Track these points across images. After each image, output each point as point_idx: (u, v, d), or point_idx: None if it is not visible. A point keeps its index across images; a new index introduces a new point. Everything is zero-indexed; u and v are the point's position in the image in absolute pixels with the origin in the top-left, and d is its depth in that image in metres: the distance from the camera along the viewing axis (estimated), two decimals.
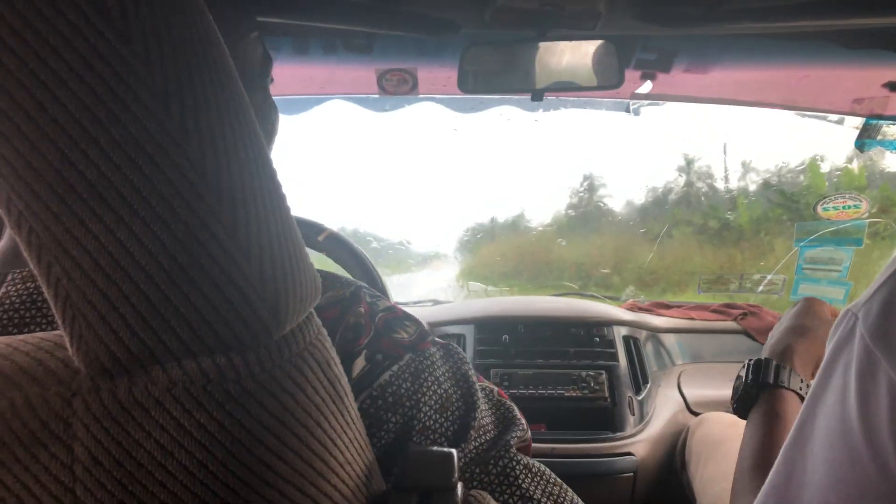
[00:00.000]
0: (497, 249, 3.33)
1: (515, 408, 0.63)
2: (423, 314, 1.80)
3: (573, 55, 1.29)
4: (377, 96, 1.50)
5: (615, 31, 1.26)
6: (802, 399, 0.82)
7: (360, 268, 1.42)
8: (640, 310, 1.96)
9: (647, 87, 1.49)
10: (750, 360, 0.89)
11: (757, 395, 0.86)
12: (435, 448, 0.43)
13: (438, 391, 0.57)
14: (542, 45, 1.26)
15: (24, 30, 0.26)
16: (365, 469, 0.39)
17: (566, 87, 1.32)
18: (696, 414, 1.54)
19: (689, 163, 3.34)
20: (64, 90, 0.26)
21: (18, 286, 0.51)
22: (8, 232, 0.57)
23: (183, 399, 0.29)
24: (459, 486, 0.40)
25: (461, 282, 3.13)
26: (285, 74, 1.47)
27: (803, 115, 1.55)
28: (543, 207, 3.32)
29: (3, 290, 0.51)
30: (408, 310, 1.47)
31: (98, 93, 0.27)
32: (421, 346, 0.59)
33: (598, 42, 1.27)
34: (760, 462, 0.76)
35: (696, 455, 1.35)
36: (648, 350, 1.76)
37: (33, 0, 0.26)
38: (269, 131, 0.71)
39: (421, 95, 1.49)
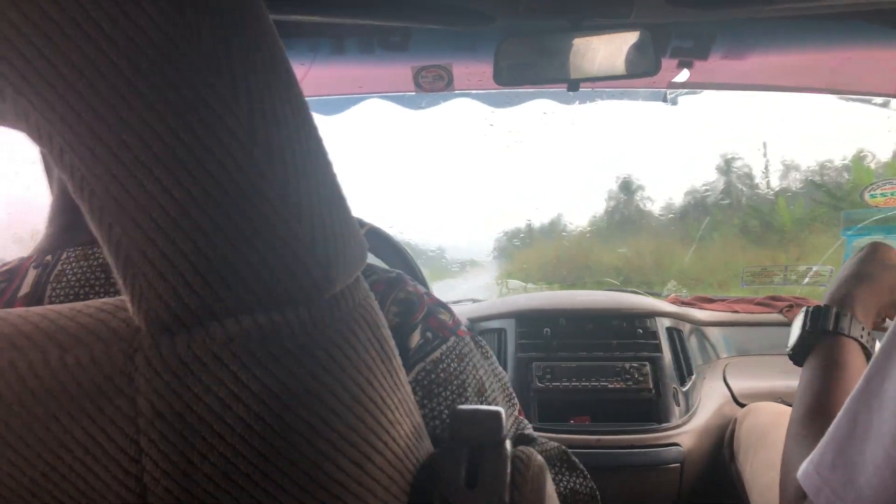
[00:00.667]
0: (534, 254, 3.31)
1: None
2: (462, 311, 1.81)
3: (608, 44, 1.29)
4: (413, 94, 1.52)
5: (650, 18, 1.25)
6: (864, 347, 0.81)
7: (401, 261, 1.43)
8: (683, 304, 1.93)
9: (684, 75, 1.48)
10: (808, 307, 0.86)
11: (815, 342, 0.83)
12: (483, 406, 0.44)
13: (476, 376, 0.61)
14: (577, 34, 1.26)
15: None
16: (414, 431, 0.39)
17: (602, 77, 1.32)
18: (742, 405, 1.51)
19: (729, 163, 3.29)
20: (121, 57, 0.28)
21: (73, 264, 0.54)
22: (56, 214, 0.60)
23: (240, 353, 0.30)
24: (508, 442, 0.41)
25: (500, 281, 3.12)
26: (323, 75, 1.50)
27: (846, 99, 1.52)
28: (581, 210, 3.30)
29: (59, 267, 0.54)
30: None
31: (153, 59, 0.28)
32: (458, 332, 0.63)
33: (634, 30, 1.26)
34: (817, 410, 0.74)
35: (744, 445, 1.33)
36: (693, 343, 1.73)
37: None
38: None
39: (457, 91, 1.50)
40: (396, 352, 0.39)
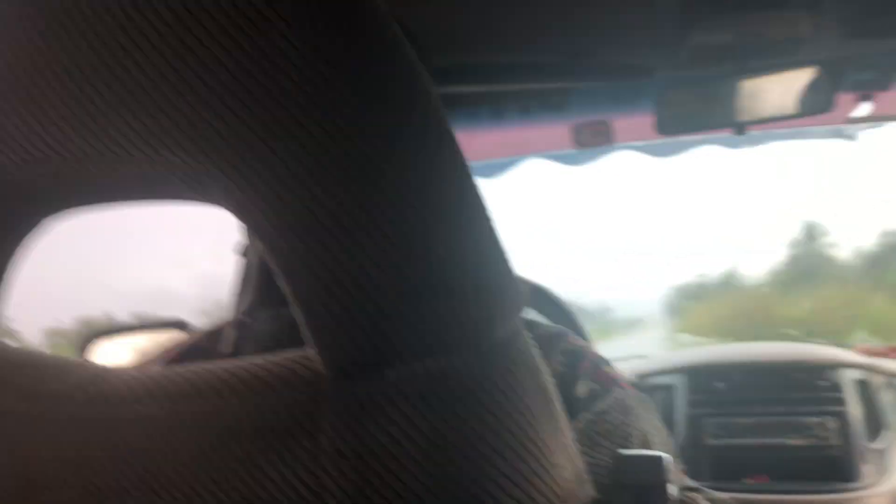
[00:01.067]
0: (707, 309, 3.16)
1: None
2: (629, 367, 1.76)
3: (776, 84, 1.24)
4: (573, 151, 1.53)
5: (821, 54, 1.20)
6: None
7: (563, 317, 1.42)
8: (875, 354, 1.75)
9: (863, 109, 1.38)
10: None
11: None
12: (645, 451, 0.44)
13: (640, 428, 0.60)
14: (742, 77, 1.22)
15: (279, 82, 0.32)
16: (576, 476, 0.40)
17: (771, 118, 1.26)
18: None
19: None
20: (309, 140, 0.32)
21: (265, 325, 0.62)
22: (249, 281, 0.68)
23: (410, 396, 0.32)
24: (672, 486, 0.40)
25: (667, 335, 3.00)
26: (484, 139, 1.55)
27: None
28: (759, 260, 3.11)
29: (255, 327, 0.62)
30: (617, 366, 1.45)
31: (335, 138, 0.32)
32: (622, 385, 0.63)
33: (804, 67, 1.21)
34: None
35: None
36: (887, 399, 1.57)
37: (274, 63, 0.32)
38: None
39: (617, 144, 1.50)
40: (558, 398, 0.40)
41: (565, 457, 0.39)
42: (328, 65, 0.33)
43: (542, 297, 1.44)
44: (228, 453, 0.34)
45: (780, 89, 1.24)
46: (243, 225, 0.36)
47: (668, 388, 1.62)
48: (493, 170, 1.69)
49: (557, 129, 1.49)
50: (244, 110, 0.32)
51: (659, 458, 0.42)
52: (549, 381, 0.40)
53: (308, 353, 0.35)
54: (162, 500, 0.36)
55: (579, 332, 1.40)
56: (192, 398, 0.36)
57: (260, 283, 0.67)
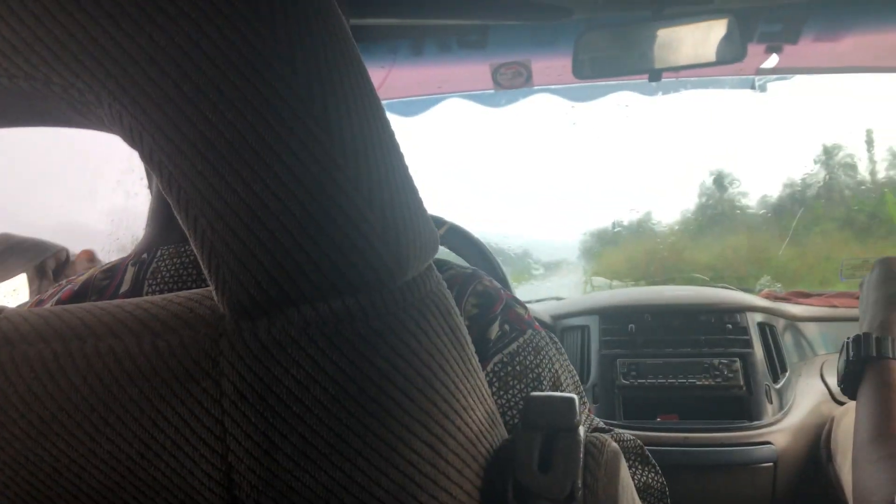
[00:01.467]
0: (623, 254, 3.24)
1: None
2: (545, 308, 1.80)
3: (691, 32, 1.25)
4: (493, 91, 1.52)
5: (735, 3, 1.22)
6: None
7: (481, 259, 1.44)
8: (777, 299, 1.85)
9: (773, 60, 1.42)
10: (848, 338, 0.88)
11: (862, 370, 0.85)
12: (556, 393, 0.44)
13: (551, 369, 0.62)
14: (658, 24, 1.23)
15: (167, 7, 0.30)
16: (487, 417, 0.40)
17: (685, 66, 1.29)
18: (841, 403, 1.44)
19: (830, 153, 3.12)
20: (204, 59, 0.30)
21: (167, 261, 0.59)
22: (153, 214, 0.65)
23: (316, 337, 0.31)
24: (581, 428, 0.41)
25: (585, 278, 3.07)
26: (404, 76, 1.52)
27: None
28: (671, 207, 3.20)
29: (155, 265, 0.59)
30: (533, 306, 1.48)
31: (233, 59, 0.30)
32: (535, 326, 0.64)
33: (718, 17, 1.23)
34: (879, 433, 0.75)
35: (842, 446, 1.27)
36: (787, 340, 1.66)
37: None
38: None
39: (536, 87, 1.50)
40: (469, 340, 0.40)
41: (476, 398, 0.38)
42: None
43: (459, 238, 1.44)
44: (125, 395, 0.33)
45: (694, 38, 1.26)
46: (136, 152, 0.34)
47: (582, 329, 1.66)
48: (412, 108, 1.67)
49: (478, 69, 1.48)
50: (134, 27, 0.30)
51: (569, 399, 0.42)
52: (461, 323, 0.39)
53: (209, 292, 0.34)
54: (55, 446, 0.34)
55: (496, 273, 1.42)
56: (86, 338, 0.34)
57: (161, 217, 0.64)
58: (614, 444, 0.43)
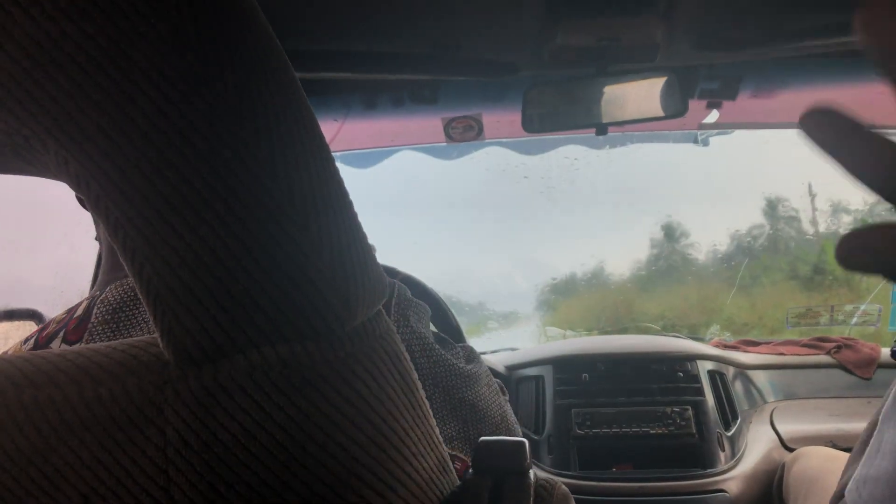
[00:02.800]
0: (578, 304, 3.28)
1: None
2: (500, 359, 1.79)
3: (635, 88, 1.30)
4: (445, 144, 1.55)
5: (676, 62, 1.27)
6: None
7: (436, 309, 1.43)
8: (727, 347, 1.89)
9: (713, 115, 1.48)
10: None
11: None
12: (507, 437, 0.44)
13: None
14: (604, 80, 1.28)
15: (117, 56, 0.30)
16: (438, 464, 0.39)
17: (630, 121, 1.33)
18: (791, 449, 1.46)
19: (774, 205, 3.24)
20: (151, 107, 0.30)
21: (115, 291, 0.62)
22: (105, 259, 0.67)
23: (263, 384, 0.31)
24: (532, 471, 0.41)
25: (540, 328, 3.10)
26: (357, 129, 1.54)
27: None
28: (624, 259, 3.27)
29: (104, 295, 0.63)
30: (488, 357, 1.48)
31: (181, 109, 0.30)
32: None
33: (660, 74, 1.28)
34: None
35: (794, 491, 1.28)
36: (737, 388, 1.69)
37: (122, 29, 0.29)
38: None
39: (487, 140, 1.53)
40: (419, 385, 0.40)
41: (426, 445, 0.38)
42: (176, 34, 0.30)
43: (413, 289, 1.43)
44: (64, 447, 0.32)
45: (638, 93, 1.31)
46: (83, 198, 0.34)
47: (536, 380, 1.67)
48: (366, 160, 1.68)
49: (430, 123, 1.50)
50: (80, 74, 0.30)
51: (520, 443, 0.42)
52: (411, 368, 0.39)
53: (154, 339, 0.33)
54: None
55: (450, 323, 1.42)
56: (24, 388, 0.33)
57: (111, 259, 0.67)
58: (564, 488, 0.43)
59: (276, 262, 0.31)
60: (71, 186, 0.33)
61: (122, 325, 0.60)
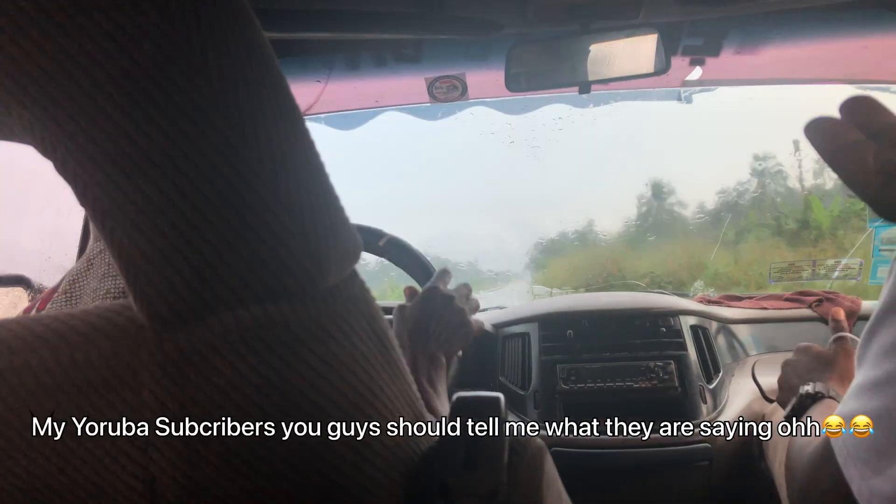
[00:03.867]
0: (567, 263, 3.29)
1: None
2: (487, 317, 1.81)
3: (618, 46, 1.29)
4: (429, 105, 1.54)
5: (659, 17, 1.26)
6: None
7: (420, 270, 1.45)
8: (710, 302, 1.91)
9: (696, 73, 1.48)
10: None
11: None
12: (482, 392, 0.45)
13: None
14: (587, 38, 1.27)
15: (76, 17, 0.29)
16: (413, 420, 0.40)
17: (613, 78, 1.33)
18: (772, 401, 1.49)
19: (761, 162, 3.24)
20: (116, 68, 0.29)
21: (81, 260, 0.62)
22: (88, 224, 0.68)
23: (237, 345, 0.31)
24: (508, 426, 0.42)
25: (529, 287, 3.11)
26: (340, 91, 1.52)
27: (864, 89, 1.50)
28: (613, 216, 3.27)
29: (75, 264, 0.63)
30: (475, 315, 1.49)
31: (146, 69, 0.30)
32: None
33: (643, 31, 1.27)
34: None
35: (773, 441, 1.31)
36: (720, 342, 1.72)
37: None
38: None
39: (471, 100, 1.52)
40: (395, 344, 0.40)
41: (403, 402, 0.39)
42: None
43: (399, 249, 1.44)
44: (42, 410, 0.32)
45: (621, 51, 1.30)
46: (49, 161, 0.34)
47: (522, 337, 1.68)
48: (349, 121, 1.67)
49: (414, 83, 1.49)
50: (42, 37, 0.30)
51: (496, 399, 0.43)
52: (387, 328, 0.39)
53: (128, 303, 0.33)
54: None
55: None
56: (1, 354, 0.34)
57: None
58: (539, 441, 0.44)
59: (247, 223, 0.31)
60: (37, 150, 0.33)
61: (74, 295, 0.61)
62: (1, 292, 1.54)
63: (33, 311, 0.64)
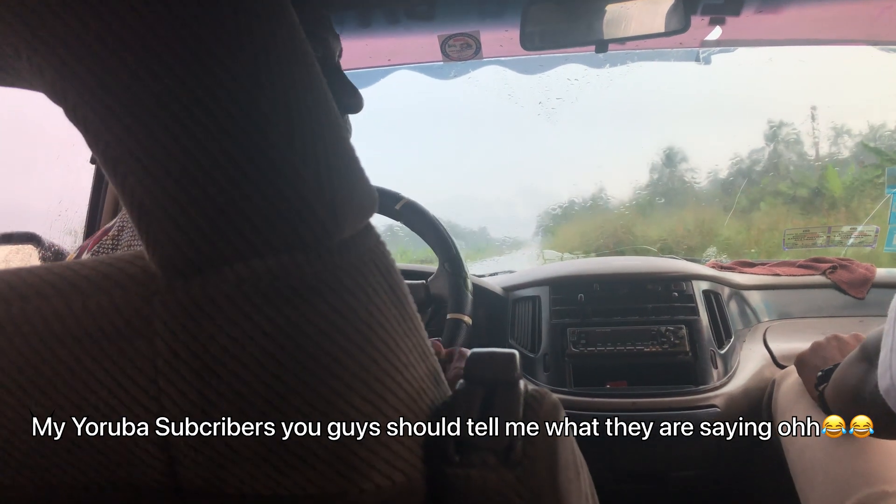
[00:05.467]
0: (577, 229, 3.29)
1: None
2: (498, 281, 1.81)
3: (637, 3, 1.27)
4: (442, 64, 1.52)
5: None
6: None
7: (435, 235, 1.45)
8: (723, 268, 1.90)
9: (716, 33, 1.45)
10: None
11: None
12: (498, 349, 0.45)
13: None
14: None
15: None
16: (429, 374, 0.40)
17: (630, 37, 1.30)
18: (783, 367, 1.49)
19: (776, 129, 3.20)
20: (127, 10, 0.29)
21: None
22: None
23: (252, 295, 0.31)
24: (522, 381, 0.42)
25: (539, 252, 3.11)
26: (351, 48, 1.50)
27: (888, 50, 1.47)
28: (623, 183, 3.25)
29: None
30: (486, 279, 1.49)
31: (158, 11, 0.29)
32: None
33: None
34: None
35: (782, 405, 1.31)
36: (732, 308, 1.71)
37: None
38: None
39: (485, 59, 1.50)
40: (410, 298, 0.40)
41: (417, 355, 0.38)
42: None
43: (414, 214, 1.44)
44: (54, 357, 0.32)
45: (639, 9, 1.27)
46: (61, 109, 0.33)
47: (533, 300, 1.68)
48: (361, 80, 1.65)
49: (426, 40, 1.47)
50: None
51: (511, 355, 0.43)
52: (402, 282, 0.39)
53: (141, 253, 0.33)
54: None
55: (449, 249, 1.43)
56: (12, 301, 0.33)
57: None
58: (554, 397, 0.43)
59: (262, 172, 0.31)
60: (47, 95, 0.32)
61: (122, 240, 0.62)
62: (12, 249, 1.55)
63: (85, 254, 0.67)
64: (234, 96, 0.30)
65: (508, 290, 1.76)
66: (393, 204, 1.44)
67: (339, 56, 0.94)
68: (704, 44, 1.51)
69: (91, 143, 0.31)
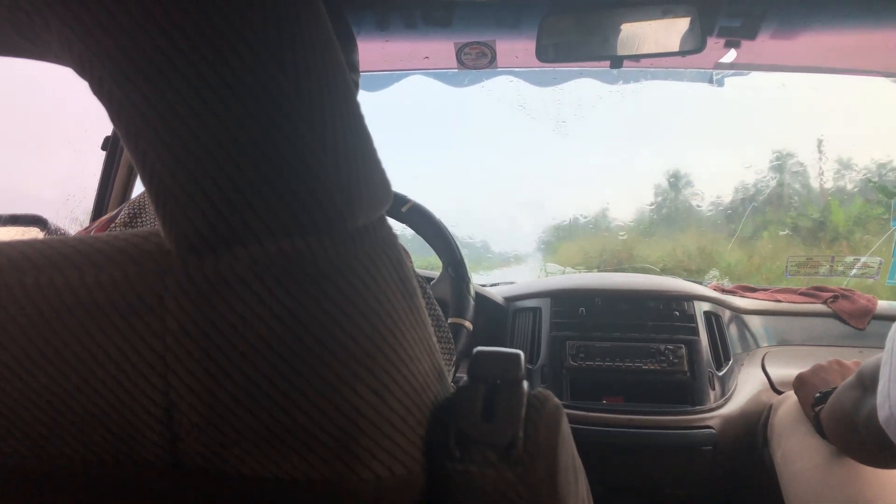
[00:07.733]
0: (578, 248, 3.29)
1: None
2: (499, 291, 1.81)
3: (653, 21, 1.27)
4: (456, 71, 1.52)
5: None
6: None
7: (440, 240, 1.44)
8: (724, 291, 1.90)
9: (731, 55, 1.45)
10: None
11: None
12: (503, 349, 0.45)
13: None
14: (622, 10, 1.25)
15: None
16: (433, 369, 0.40)
17: (646, 55, 1.31)
18: (780, 392, 1.49)
19: (781, 160, 3.20)
20: None
21: (140, 197, 0.69)
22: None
23: (264, 276, 0.31)
24: (525, 382, 0.42)
25: (541, 266, 3.11)
26: (366, 50, 1.51)
27: None
28: (627, 204, 3.26)
29: (134, 198, 0.68)
30: (487, 289, 1.48)
31: None
32: None
33: (680, 7, 1.25)
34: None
35: (777, 431, 1.31)
36: (732, 331, 1.71)
37: None
38: None
39: (500, 69, 1.50)
40: (419, 293, 0.40)
41: (422, 349, 0.38)
42: None
43: (420, 217, 1.44)
44: (64, 329, 0.32)
45: (655, 26, 1.28)
46: (85, 81, 0.33)
47: (533, 311, 1.68)
48: (375, 83, 1.66)
49: (442, 47, 1.48)
50: None
51: (515, 354, 0.43)
52: (412, 275, 0.39)
53: (156, 230, 0.33)
54: None
55: (454, 254, 1.43)
56: (26, 271, 0.33)
57: None
58: (556, 400, 0.43)
59: (282, 154, 0.31)
60: (73, 69, 0.32)
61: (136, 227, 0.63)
62: (17, 232, 1.55)
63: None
64: (259, 78, 0.30)
65: (510, 300, 1.75)
66: (399, 206, 1.44)
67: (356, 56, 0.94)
68: (718, 66, 1.51)
69: (114, 117, 0.31)
